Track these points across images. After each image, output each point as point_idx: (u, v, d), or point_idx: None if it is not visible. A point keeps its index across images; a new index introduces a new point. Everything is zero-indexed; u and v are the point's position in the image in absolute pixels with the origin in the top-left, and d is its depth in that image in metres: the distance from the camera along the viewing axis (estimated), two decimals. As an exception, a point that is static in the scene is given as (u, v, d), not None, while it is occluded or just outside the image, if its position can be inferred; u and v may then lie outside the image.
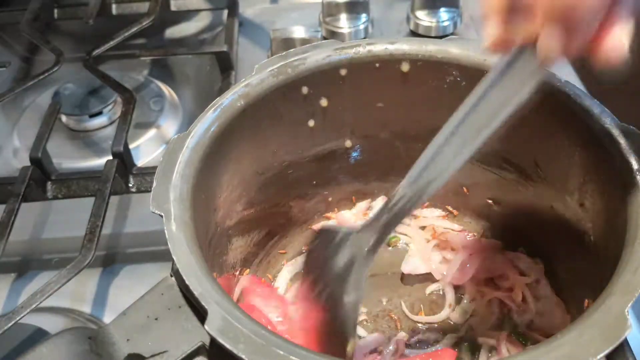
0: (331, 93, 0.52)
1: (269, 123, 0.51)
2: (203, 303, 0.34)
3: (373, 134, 0.56)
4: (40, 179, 0.63)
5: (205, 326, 0.33)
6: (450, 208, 0.61)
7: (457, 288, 0.56)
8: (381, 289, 0.56)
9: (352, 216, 0.61)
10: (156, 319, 0.38)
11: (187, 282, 0.35)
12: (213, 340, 0.33)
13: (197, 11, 0.91)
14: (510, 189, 0.54)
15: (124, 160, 0.63)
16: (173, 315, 0.38)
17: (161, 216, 0.39)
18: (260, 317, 0.46)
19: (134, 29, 0.78)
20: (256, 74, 0.49)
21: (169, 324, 0.38)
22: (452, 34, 0.81)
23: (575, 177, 0.47)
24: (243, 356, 0.32)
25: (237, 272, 0.52)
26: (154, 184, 0.41)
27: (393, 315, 0.54)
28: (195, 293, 0.35)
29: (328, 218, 0.61)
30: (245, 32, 0.87)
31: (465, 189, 0.59)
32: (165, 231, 0.38)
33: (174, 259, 0.37)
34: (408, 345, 0.52)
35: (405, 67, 0.51)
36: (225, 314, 0.34)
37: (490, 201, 0.58)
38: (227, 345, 0.32)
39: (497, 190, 0.56)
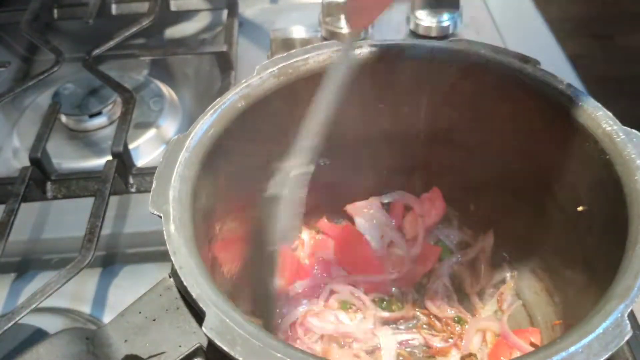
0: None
1: (270, 124, 0.50)
2: (201, 304, 0.34)
3: (374, 134, 0.56)
4: (40, 179, 0.63)
5: (203, 328, 0.33)
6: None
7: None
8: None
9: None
10: (154, 320, 0.38)
11: (185, 283, 0.35)
12: (210, 342, 0.33)
13: (197, 11, 0.91)
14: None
15: (123, 161, 0.63)
16: (171, 316, 0.38)
17: (160, 217, 0.39)
18: None
19: (134, 29, 0.78)
20: (257, 75, 0.48)
21: (167, 325, 0.38)
22: (452, 34, 0.81)
23: (575, 180, 0.46)
24: (240, 358, 0.32)
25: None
26: (153, 185, 0.41)
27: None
28: (194, 294, 0.35)
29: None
30: (245, 32, 0.87)
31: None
32: (164, 232, 0.38)
33: (172, 260, 0.37)
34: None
35: (407, 68, 0.51)
36: (223, 316, 0.33)
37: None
38: (224, 347, 0.32)
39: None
